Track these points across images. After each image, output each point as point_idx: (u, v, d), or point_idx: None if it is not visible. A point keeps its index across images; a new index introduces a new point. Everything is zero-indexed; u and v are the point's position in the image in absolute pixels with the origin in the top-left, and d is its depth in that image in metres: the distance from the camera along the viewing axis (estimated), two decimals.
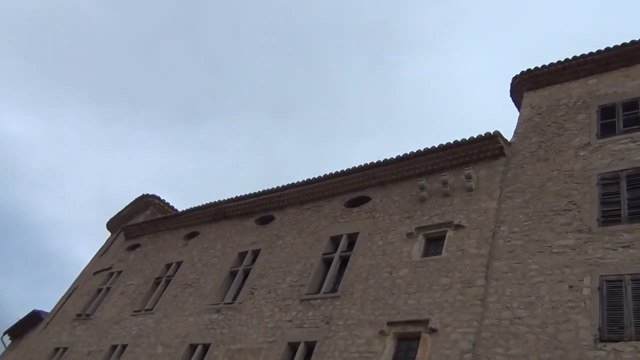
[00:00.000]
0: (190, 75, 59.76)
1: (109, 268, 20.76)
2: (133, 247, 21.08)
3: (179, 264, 18.29)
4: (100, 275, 20.75)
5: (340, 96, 58.31)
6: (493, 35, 53.21)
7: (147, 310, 17.06)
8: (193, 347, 14.42)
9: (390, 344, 10.93)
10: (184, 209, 20.15)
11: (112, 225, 24.29)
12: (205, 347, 14.09)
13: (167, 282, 17.88)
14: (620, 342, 8.50)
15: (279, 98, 59.30)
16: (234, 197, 18.34)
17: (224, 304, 15.13)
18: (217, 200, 18.82)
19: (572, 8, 48.68)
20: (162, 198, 23.03)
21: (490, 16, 52.39)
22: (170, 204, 23.04)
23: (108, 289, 19.67)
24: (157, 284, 18.20)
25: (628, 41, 13.70)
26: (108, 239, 24.00)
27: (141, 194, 23.15)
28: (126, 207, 23.65)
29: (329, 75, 57.83)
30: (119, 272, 20.14)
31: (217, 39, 58.51)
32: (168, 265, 18.62)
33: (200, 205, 19.39)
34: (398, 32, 56.45)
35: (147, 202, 23.01)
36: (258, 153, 59.35)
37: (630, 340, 8.46)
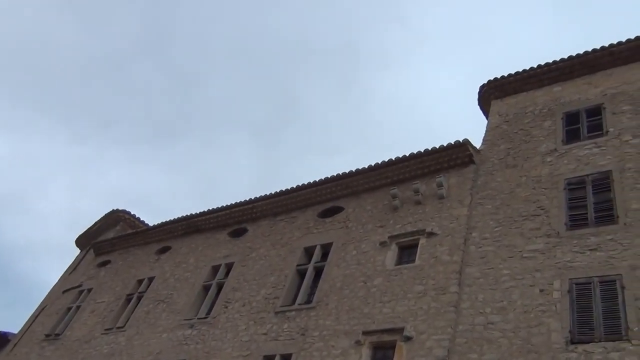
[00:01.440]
0: (161, 95, 59.45)
1: (79, 286, 20.28)
2: (103, 264, 20.66)
3: (150, 279, 17.99)
4: (70, 294, 20.26)
5: (311, 115, 58.78)
6: (458, 51, 54.29)
7: (118, 328, 16.70)
8: None
9: (366, 354, 10.91)
10: (155, 224, 19.86)
11: (81, 242, 23.76)
12: None
13: (139, 298, 17.55)
14: (591, 344, 8.65)
15: (251, 118, 59.45)
16: (206, 210, 18.16)
17: (198, 318, 14.92)
18: (189, 214, 18.61)
19: (531, 21, 49.91)
20: (132, 213, 22.66)
21: (453, 34, 53.53)
22: (141, 219, 22.68)
23: (78, 307, 19.20)
24: (128, 300, 17.84)
25: (590, 49, 14.10)
26: (77, 256, 23.46)
27: (111, 210, 22.75)
28: (95, 223, 23.18)
29: (300, 95, 58.23)
30: (89, 290, 19.68)
31: (188, 60, 58.40)
32: (140, 281, 18.28)
33: (171, 219, 19.13)
34: (365, 52, 57.29)
35: (117, 218, 22.61)
36: (230, 171, 59.17)
37: (600, 341, 8.61)
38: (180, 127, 60.60)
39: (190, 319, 15.04)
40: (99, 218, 23.21)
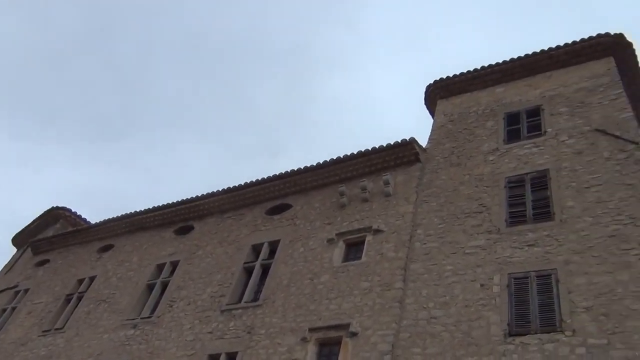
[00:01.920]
0: (104, 92, 57.59)
1: (15, 286, 19.41)
2: (41, 263, 19.86)
3: (92, 278, 17.42)
4: (5, 294, 19.35)
5: (260, 116, 58.40)
6: (405, 54, 55.16)
7: (57, 329, 16.09)
8: None
9: (312, 350, 10.94)
10: (97, 222, 19.26)
11: (18, 240, 22.74)
12: None
13: (79, 298, 16.96)
14: (527, 336, 8.97)
15: (197, 117, 58.43)
16: (150, 207, 17.74)
17: (141, 318, 14.56)
18: (132, 212, 18.12)
19: (476, 25, 51.36)
20: (73, 210, 21.86)
21: (400, 38, 54.43)
22: (83, 217, 21.93)
23: (14, 308, 18.37)
24: (68, 300, 17.22)
25: (530, 53, 14.60)
26: (14, 255, 22.45)
27: (50, 207, 21.89)
28: (34, 221, 22.23)
29: (248, 95, 57.73)
30: (26, 290, 18.87)
31: (131, 57, 56.76)
32: (80, 281, 17.67)
33: (114, 217, 18.59)
34: (313, 55, 57.36)
35: (56, 215, 21.76)
36: (176, 170, 57.98)
37: (536, 333, 8.94)
38: (124, 125, 58.99)
39: (133, 319, 14.67)
40: (37, 216, 22.31)
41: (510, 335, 9.13)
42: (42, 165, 56.02)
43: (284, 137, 58.37)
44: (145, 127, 58.52)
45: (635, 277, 8.86)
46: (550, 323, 8.95)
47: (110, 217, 18.65)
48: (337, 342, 10.79)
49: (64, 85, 55.72)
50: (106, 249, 18.38)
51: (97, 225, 19.07)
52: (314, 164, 15.02)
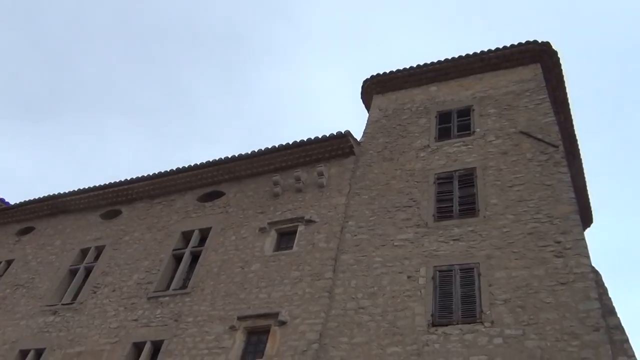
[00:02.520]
0: (29, 71, 54.41)
1: None
2: None
3: (9, 262, 16.57)
4: None
5: (195, 103, 57.05)
6: (343, 50, 55.47)
7: None
8: (24, 353, 13.17)
9: (240, 339, 10.94)
10: (17, 203, 18.29)
11: None
12: (39, 353, 12.96)
13: None
14: (449, 326, 9.36)
15: (130, 102, 56.36)
16: (75, 189, 17.03)
17: (62, 304, 14.02)
18: (55, 193, 17.32)
19: (414, 24, 52.43)
20: None
21: (338, 34, 54.58)
22: (0, 197, 20.75)
23: None
24: None
25: (464, 54, 15.10)
26: None
27: None
28: None
29: (183, 83, 56.24)
30: None
31: (60, 36, 53.76)
32: None
33: (35, 198, 17.72)
34: (250, 46, 56.48)
35: None
36: (106, 154, 55.73)
37: (457, 323, 9.35)
38: (50, 105, 56.00)
39: (54, 305, 14.09)
40: None
41: (434, 325, 9.50)
42: None
43: (219, 127, 57.46)
44: (74, 108, 55.85)
45: (550, 273, 9.43)
46: (471, 314, 9.39)
47: (31, 199, 17.76)
48: (266, 331, 10.84)
49: None
50: (26, 231, 17.50)
51: (16, 206, 18.09)
52: (249, 152, 14.92)
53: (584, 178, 15.20)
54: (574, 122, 14.76)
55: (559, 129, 12.47)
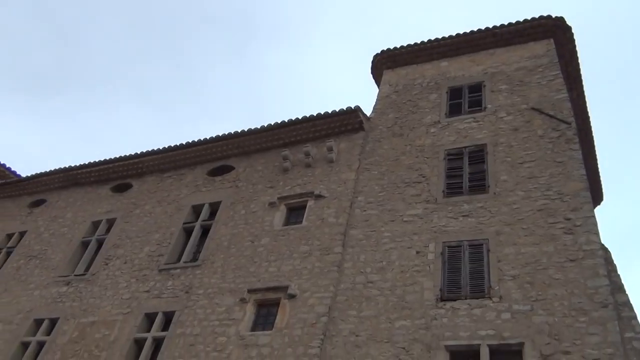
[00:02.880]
0: (38, 47, 54.20)
1: None
2: None
3: (22, 233, 16.80)
4: None
5: (204, 81, 56.73)
6: (354, 27, 54.68)
7: None
8: (38, 322, 13.44)
9: (250, 311, 11.11)
10: (28, 175, 18.45)
11: None
12: (53, 322, 13.22)
13: (8, 253, 16.34)
14: (458, 301, 9.46)
15: (137, 78, 56.14)
16: (86, 162, 17.14)
17: (75, 275, 14.24)
18: (67, 166, 17.47)
19: (422, 1, 51.51)
20: (1, 162, 20.81)
21: (349, 10, 53.68)
22: (12, 169, 20.92)
23: None
24: None
25: (475, 29, 14.93)
26: None
27: None
28: None
29: (192, 60, 55.85)
30: None
31: (66, 11, 53.34)
32: (9, 235, 17.00)
33: (47, 171, 17.86)
34: (259, 23, 55.68)
35: None
36: (115, 130, 55.83)
37: (466, 298, 9.44)
38: (59, 80, 55.97)
39: (67, 276, 14.32)
40: None
41: (442, 300, 9.60)
42: None
43: (228, 105, 57.28)
44: (83, 84, 55.83)
45: (559, 249, 9.47)
46: (479, 289, 9.47)
47: (43, 171, 17.92)
48: (276, 304, 11.00)
49: None
50: (38, 203, 17.70)
51: (28, 178, 18.26)
52: (258, 127, 14.93)
53: (595, 155, 15.13)
54: (586, 99, 14.64)
55: (571, 105, 12.36)
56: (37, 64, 54.06)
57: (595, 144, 15.00)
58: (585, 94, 14.60)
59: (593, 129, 14.83)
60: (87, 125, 54.09)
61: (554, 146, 11.31)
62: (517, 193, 10.76)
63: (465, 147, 12.31)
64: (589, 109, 14.68)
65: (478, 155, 12.01)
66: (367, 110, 14.47)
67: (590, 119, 14.75)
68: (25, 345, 13.08)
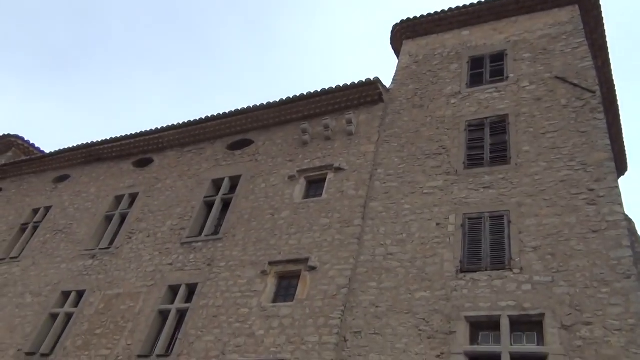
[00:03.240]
0: (56, 22, 54.40)
1: None
2: None
3: (47, 208, 17.15)
4: None
5: (220, 56, 56.53)
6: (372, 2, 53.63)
7: (12, 258, 15.92)
8: (66, 294, 13.80)
9: (271, 283, 11.24)
10: (52, 151, 18.74)
11: None
12: (80, 294, 13.55)
13: (35, 228, 16.74)
14: (478, 272, 9.44)
15: (153, 53, 56.23)
16: (108, 138, 17.34)
17: (100, 249, 14.54)
18: (89, 142, 17.69)
19: None
20: (26, 139, 21.14)
21: None
22: (36, 145, 21.25)
23: None
24: (23, 230, 16.97)
25: None
26: None
27: (1, 135, 21.09)
28: None
29: (207, 34, 55.58)
30: None
31: None
32: (35, 211, 17.39)
33: (70, 147, 18.11)
34: None
35: (8, 143, 21.00)
36: (134, 105, 56.24)
37: (486, 270, 9.42)
38: (77, 58, 56.41)
39: (92, 250, 14.63)
40: None
41: (462, 271, 9.59)
42: None
43: (244, 78, 57.14)
44: (100, 60, 56.16)
45: (581, 220, 9.36)
46: (500, 261, 9.44)
47: (66, 147, 18.18)
48: (296, 276, 11.11)
49: (12, 14, 52.39)
50: (62, 179, 18.01)
51: (52, 154, 18.55)
52: (277, 100, 14.89)
53: (619, 125, 14.81)
54: (612, 67, 14.26)
55: (596, 74, 12.06)
56: (54, 42, 54.44)
57: (620, 113, 14.69)
58: (611, 61, 14.24)
59: (618, 98, 14.50)
60: (108, 100, 54.57)
61: (578, 116, 11.08)
62: (540, 164, 10.61)
63: (486, 118, 12.13)
64: (614, 78, 14.33)
65: (500, 126, 11.83)
66: (387, 81, 14.34)
67: (616, 88, 14.41)
68: (54, 317, 13.47)
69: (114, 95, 55.43)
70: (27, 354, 12.79)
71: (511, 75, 12.78)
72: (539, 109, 11.64)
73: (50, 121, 53.27)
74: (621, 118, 14.74)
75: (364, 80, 13.81)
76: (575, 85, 11.64)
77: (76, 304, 13.42)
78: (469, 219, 10.34)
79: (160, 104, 55.83)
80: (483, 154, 11.45)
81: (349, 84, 13.98)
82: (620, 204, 9.33)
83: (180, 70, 56.65)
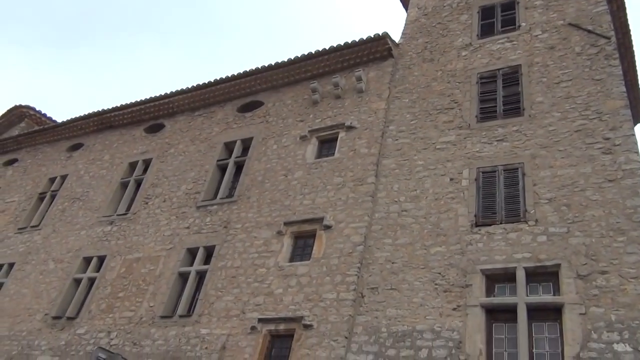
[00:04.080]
0: None
1: None
2: (10, 162, 19.60)
3: (63, 177, 17.37)
4: None
5: (222, 19, 55.74)
6: None
7: (33, 226, 16.25)
8: (87, 260, 14.11)
9: (287, 243, 11.38)
10: (65, 120, 18.82)
11: None
12: (101, 259, 13.86)
13: (53, 196, 17.01)
14: (493, 226, 9.47)
15: (157, 21, 55.57)
16: (119, 105, 17.35)
17: (117, 215, 14.76)
18: (100, 110, 17.72)
19: None
20: (37, 109, 21.23)
21: None
22: (48, 115, 21.35)
23: None
24: (41, 199, 17.26)
25: None
26: None
27: (13, 105, 21.19)
28: None
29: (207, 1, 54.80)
30: None
31: None
32: (52, 180, 17.63)
33: (82, 115, 18.18)
34: None
35: (20, 114, 21.14)
36: (141, 74, 56.04)
37: (501, 223, 9.44)
38: (83, 29, 56.09)
39: (110, 216, 14.86)
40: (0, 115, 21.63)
41: (477, 225, 9.63)
42: (1, 68, 53.52)
43: (249, 45, 56.40)
44: (105, 33, 55.85)
45: (597, 170, 9.29)
46: (514, 214, 9.44)
47: (78, 116, 18.25)
48: (312, 235, 11.23)
49: None
50: (76, 147, 18.16)
51: (64, 123, 18.64)
52: (285, 60, 14.73)
53: (635, 71, 14.47)
54: (627, 12, 13.83)
55: (611, 19, 11.73)
56: (59, 17, 54.02)
57: (636, 59, 14.32)
58: (626, 5, 13.80)
59: (634, 44, 14.11)
60: (115, 72, 54.43)
61: (592, 63, 10.85)
62: (554, 114, 10.47)
63: (498, 70, 11.93)
64: (629, 22, 13.91)
65: (512, 77, 11.64)
66: (396, 37, 14.08)
67: (631, 33, 14.01)
68: (77, 282, 13.81)
69: (121, 67, 55.30)
70: (54, 317, 13.19)
71: (523, 24, 12.48)
72: (552, 58, 11.41)
73: (58, 94, 53.39)
74: (637, 64, 14.39)
75: (372, 36, 13.57)
76: (589, 31, 11.36)
77: (98, 268, 13.73)
78: (483, 172, 10.30)
79: (168, 73, 55.61)
80: (496, 106, 11.31)
81: (357, 40, 13.75)
82: (637, 152, 9.23)
83: (186, 38, 56.16)
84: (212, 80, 15.75)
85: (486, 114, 11.29)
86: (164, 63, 56.14)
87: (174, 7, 55.60)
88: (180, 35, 55.72)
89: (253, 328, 10.28)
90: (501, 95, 11.43)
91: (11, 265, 15.44)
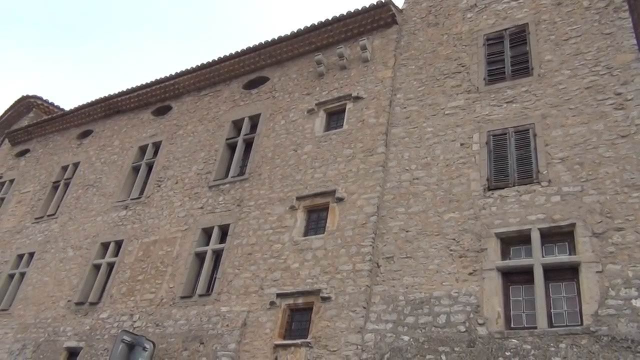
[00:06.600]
0: None
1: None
2: (22, 153, 19.77)
3: (75, 165, 17.51)
4: None
5: (217, 15, 55.39)
6: None
7: (49, 215, 16.46)
8: (105, 245, 14.29)
9: (301, 217, 11.42)
10: (72, 108, 18.87)
11: None
12: (118, 244, 14.03)
13: (67, 185, 17.17)
14: (506, 189, 9.41)
15: (156, 15, 55.33)
16: (125, 89, 17.34)
17: (131, 199, 14.89)
18: (107, 95, 17.73)
19: None
20: (45, 98, 21.28)
21: None
22: (56, 104, 21.41)
23: (2, 199, 18.61)
24: (55, 188, 17.43)
25: None
26: None
27: (21, 96, 21.25)
28: (6, 112, 21.67)
29: None
30: (11, 181, 18.98)
31: None
32: (64, 168, 17.77)
33: (89, 102, 18.21)
34: None
35: (28, 104, 21.20)
36: (142, 69, 56.16)
37: (514, 185, 9.38)
38: (84, 27, 56.17)
39: (124, 201, 14.99)
40: (8, 106, 21.73)
41: (490, 189, 9.57)
42: (6, 69, 53.84)
43: (246, 36, 56.08)
44: (105, 31, 55.95)
45: (609, 126, 9.15)
46: (527, 176, 9.37)
47: (85, 103, 18.29)
48: (325, 208, 11.25)
49: None
50: (85, 134, 18.25)
51: (73, 110, 18.71)
52: (288, 33, 14.57)
53: None
54: None
55: None
56: (59, 17, 54.07)
57: None
58: None
59: None
60: (117, 66, 54.62)
61: (601, 17, 10.60)
62: (563, 72, 10.29)
63: (505, 30, 11.70)
64: None
65: (519, 36, 11.41)
66: (399, 2, 13.83)
67: None
68: (97, 267, 14.02)
69: (123, 61, 55.43)
70: (77, 303, 13.45)
71: None
72: (560, 14, 11.15)
73: (63, 86, 53.66)
74: None
75: (375, 3, 13.35)
76: None
77: (116, 253, 13.91)
78: (493, 135, 10.20)
79: (170, 61, 55.72)
80: (504, 67, 11.12)
81: (360, 8, 13.54)
82: None
83: (183, 32, 56.02)
84: (217, 59, 15.66)
85: (494, 76, 11.12)
86: (165, 51, 56.18)
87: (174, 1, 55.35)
88: (178, 26, 55.65)
89: (272, 303, 10.40)
90: (509, 56, 11.24)
91: (31, 254, 15.70)
